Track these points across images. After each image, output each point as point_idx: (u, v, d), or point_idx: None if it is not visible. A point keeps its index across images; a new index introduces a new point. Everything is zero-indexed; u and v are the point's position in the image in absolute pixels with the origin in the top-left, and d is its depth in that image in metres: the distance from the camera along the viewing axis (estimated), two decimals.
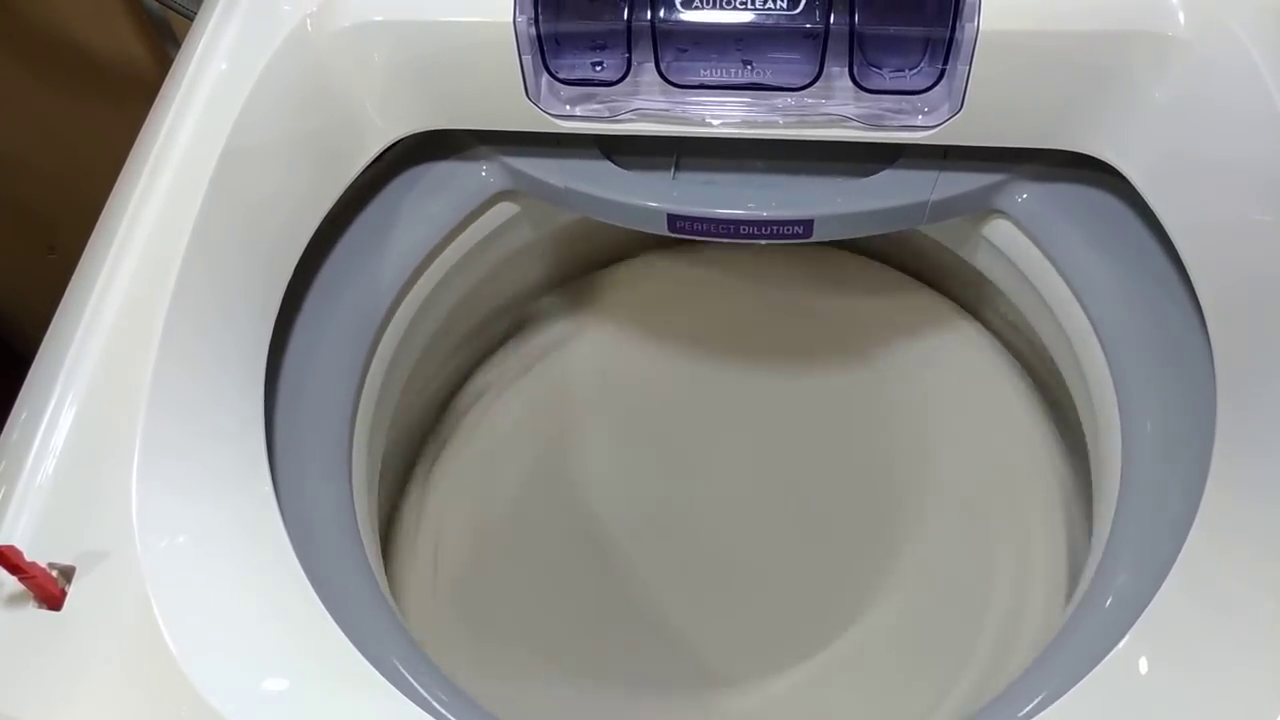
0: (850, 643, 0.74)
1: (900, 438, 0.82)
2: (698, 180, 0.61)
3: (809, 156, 0.60)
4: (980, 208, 0.61)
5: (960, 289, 0.85)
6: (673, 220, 0.60)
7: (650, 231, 0.61)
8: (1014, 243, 0.62)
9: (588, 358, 0.88)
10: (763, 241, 0.61)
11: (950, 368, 0.83)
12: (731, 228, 0.60)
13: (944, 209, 0.59)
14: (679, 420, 0.86)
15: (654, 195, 0.60)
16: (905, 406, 0.83)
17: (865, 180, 0.59)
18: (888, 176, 0.59)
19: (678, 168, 0.62)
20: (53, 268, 1.19)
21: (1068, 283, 0.58)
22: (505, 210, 0.66)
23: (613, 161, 0.62)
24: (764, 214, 0.59)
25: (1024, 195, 0.59)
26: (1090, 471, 0.60)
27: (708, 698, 0.74)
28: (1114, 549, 0.48)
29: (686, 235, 0.61)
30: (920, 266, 0.86)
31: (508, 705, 0.68)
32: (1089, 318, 0.56)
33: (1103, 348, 0.55)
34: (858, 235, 0.61)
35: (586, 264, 0.90)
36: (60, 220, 1.14)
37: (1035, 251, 0.60)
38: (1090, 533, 0.73)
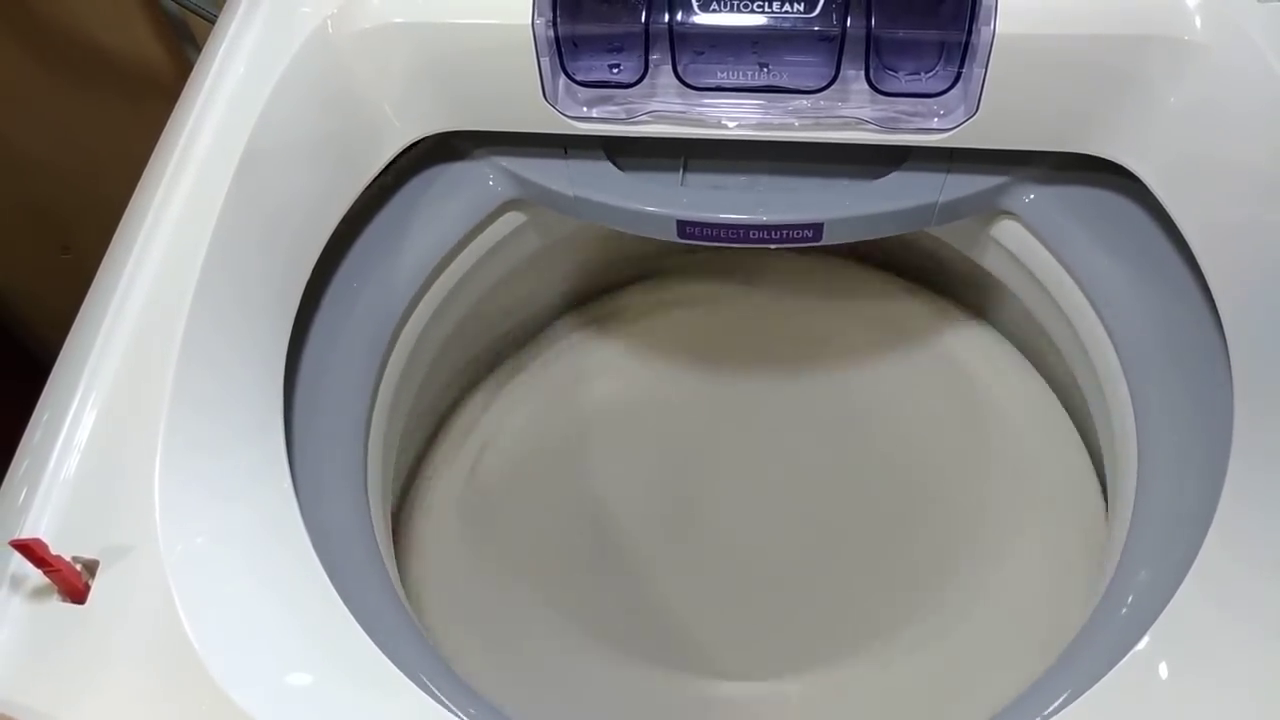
0: (869, 647, 0.74)
1: (912, 442, 0.82)
2: (706, 185, 0.62)
3: (817, 159, 0.60)
4: (988, 209, 0.61)
5: (967, 294, 0.85)
6: (682, 226, 0.61)
7: (660, 238, 0.62)
8: (1023, 244, 0.62)
9: (598, 366, 0.88)
10: (773, 246, 0.61)
11: (962, 371, 0.83)
12: (741, 233, 0.60)
13: (952, 210, 0.60)
14: (691, 428, 0.86)
15: (663, 201, 0.60)
16: (916, 411, 0.83)
17: (873, 183, 0.60)
18: (896, 179, 0.60)
19: (686, 172, 0.62)
20: (67, 268, 1.20)
21: (1078, 283, 0.58)
22: (513, 220, 0.67)
23: (620, 167, 0.62)
24: (773, 218, 0.59)
25: (1031, 196, 0.59)
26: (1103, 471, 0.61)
27: (726, 700, 0.74)
28: (1132, 549, 0.48)
29: (696, 241, 0.61)
30: (926, 271, 0.87)
31: (521, 704, 0.68)
32: (1100, 317, 0.56)
33: (1115, 348, 0.55)
34: (867, 238, 0.62)
35: (596, 272, 0.90)
36: (75, 220, 1.15)
37: (1045, 252, 0.60)
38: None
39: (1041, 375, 0.81)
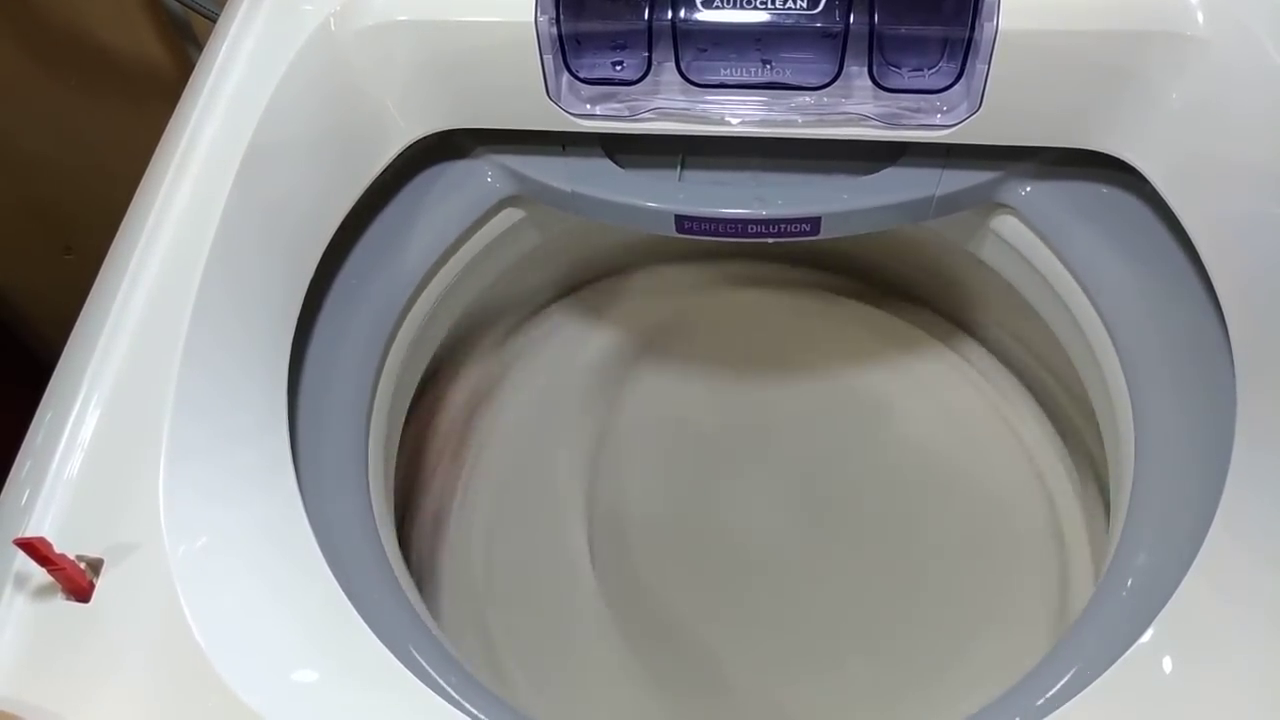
0: (870, 654, 0.74)
1: (902, 447, 0.83)
2: (704, 181, 0.62)
3: (815, 155, 0.60)
4: (985, 201, 0.61)
5: (957, 304, 0.85)
6: (680, 221, 0.61)
7: (658, 233, 0.62)
8: (1020, 236, 0.62)
9: (594, 364, 0.88)
10: (770, 240, 0.61)
11: (945, 378, 0.84)
12: (739, 227, 0.60)
13: (949, 203, 0.60)
14: (683, 430, 0.86)
15: (660, 197, 0.61)
16: (904, 416, 0.84)
17: (871, 177, 0.60)
18: (893, 173, 0.60)
19: (684, 168, 0.62)
20: (70, 268, 1.20)
21: (1073, 274, 0.58)
22: (511, 216, 0.67)
23: (618, 164, 0.62)
24: (771, 213, 0.59)
25: (1028, 189, 0.59)
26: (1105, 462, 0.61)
27: (732, 704, 0.74)
28: (1130, 536, 0.49)
29: (694, 236, 0.61)
30: (918, 283, 0.87)
31: (527, 704, 0.68)
32: (1095, 307, 0.57)
33: (1110, 336, 0.56)
34: (864, 231, 0.62)
35: (594, 271, 0.90)
36: (77, 220, 1.15)
37: (1042, 244, 0.60)
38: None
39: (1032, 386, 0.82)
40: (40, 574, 0.43)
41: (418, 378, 0.68)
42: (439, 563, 0.78)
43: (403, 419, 0.67)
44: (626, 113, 0.57)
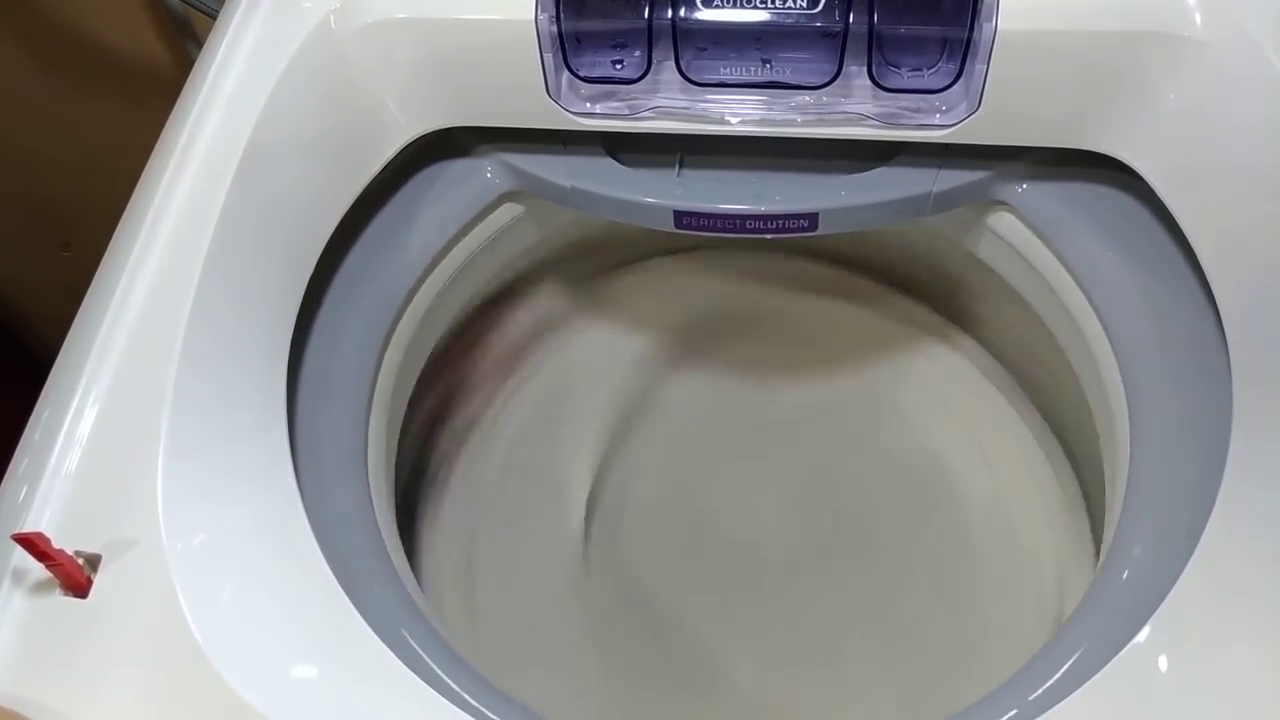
0: (866, 652, 0.75)
1: (902, 445, 0.83)
2: (703, 177, 0.62)
3: (813, 153, 0.60)
4: (982, 198, 0.61)
5: (950, 297, 0.86)
6: (679, 217, 0.61)
7: (656, 228, 0.62)
8: (1017, 233, 0.62)
9: (592, 361, 0.88)
10: (769, 236, 0.61)
11: (945, 376, 0.84)
12: (737, 223, 0.60)
13: (946, 200, 0.60)
14: (684, 424, 0.86)
15: (660, 192, 0.61)
16: (904, 414, 0.84)
17: (869, 174, 0.60)
18: (890, 169, 0.60)
19: (682, 165, 0.63)
20: (67, 265, 1.20)
21: (1069, 270, 0.58)
22: (511, 211, 0.67)
23: (618, 160, 0.62)
24: (769, 209, 0.60)
25: (1024, 186, 0.60)
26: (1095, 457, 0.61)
27: (726, 699, 0.74)
28: (1125, 530, 0.49)
29: (693, 231, 0.61)
30: (908, 275, 0.87)
31: (527, 694, 0.68)
32: (1091, 303, 0.57)
33: (1106, 332, 0.56)
34: (862, 228, 0.62)
35: (592, 264, 0.90)
36: (75, 217, 1.15)
37: (1038, 241, 0.61)
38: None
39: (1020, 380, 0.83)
40: (38, 569, 0.43)
41: (417, 373, 0.68)
42: (439, 544, 0.78)
43: (403, 412, 0.67)
44: (626, 111, 0.57)
